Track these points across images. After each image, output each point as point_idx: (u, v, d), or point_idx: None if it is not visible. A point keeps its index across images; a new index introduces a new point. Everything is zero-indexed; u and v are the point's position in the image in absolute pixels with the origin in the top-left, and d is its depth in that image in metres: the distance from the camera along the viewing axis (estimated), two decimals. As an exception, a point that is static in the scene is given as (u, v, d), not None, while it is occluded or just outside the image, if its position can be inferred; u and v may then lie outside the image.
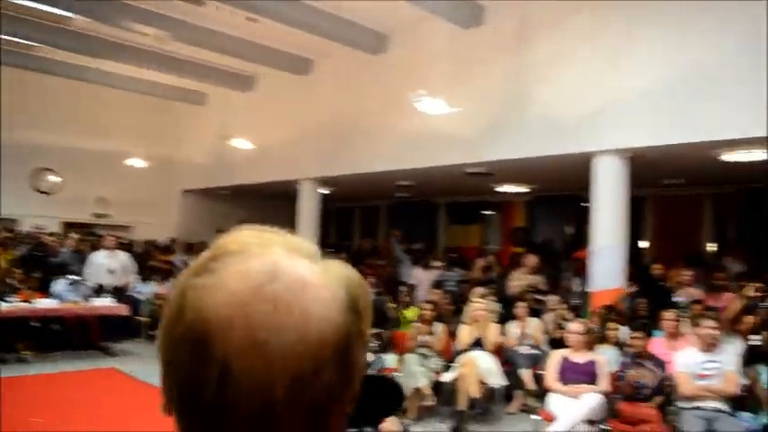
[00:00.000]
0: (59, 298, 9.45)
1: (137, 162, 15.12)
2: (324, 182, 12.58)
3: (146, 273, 11.79)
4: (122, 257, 11.01)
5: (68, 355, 9.29)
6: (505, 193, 12.64)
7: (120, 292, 10.52)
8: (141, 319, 10.79)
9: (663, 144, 7.41)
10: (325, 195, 13.12)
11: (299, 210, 12.63)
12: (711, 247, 11.36)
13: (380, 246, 14.47)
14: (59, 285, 9.70)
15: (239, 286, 0.60)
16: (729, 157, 7.69)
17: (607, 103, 7.81)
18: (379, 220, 17.16)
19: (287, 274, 0.62)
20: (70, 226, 14.54)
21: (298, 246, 0.67)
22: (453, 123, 9.10)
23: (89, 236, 13.13)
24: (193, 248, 14.33)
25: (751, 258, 9.48)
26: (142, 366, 8.72)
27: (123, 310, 9.85)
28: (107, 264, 10.64)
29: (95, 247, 11.43)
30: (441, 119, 9.00)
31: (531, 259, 9.66)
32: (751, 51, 6.69)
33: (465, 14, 9.30)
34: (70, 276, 9.91)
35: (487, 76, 9.23)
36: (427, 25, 9.72)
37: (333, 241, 16.55)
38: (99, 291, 10.13)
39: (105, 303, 9.76)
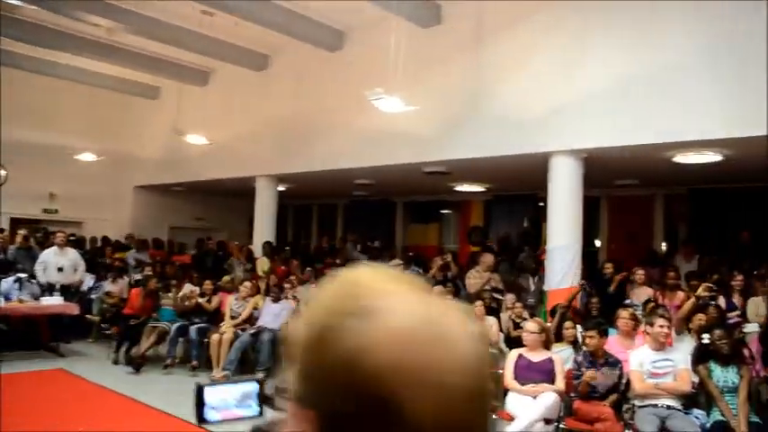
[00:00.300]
0: (6, 296, 9.16)
1: (88, 156, 14.72)
2: (281, 179, 12.44)
3: (97, 270, 11.48)
4: (72, 255, 10.71)
5: (16, 355, 8.99)
6: (464, 192, 12.70)
7: (69, 291, 10.22)
8: (92, 318, 10.52)
9: (617, 145, 7.51)
10: (282, 193, 12.99)
11: (256, 207, 12.48)
12: (663, 246, 11.58)
13: (336, 245, 14.38)
14: (6, 283, 9.41)
15: (406, 329, 0.60)
16: (681, 158, 7.84)
17: (563, 104, 7.89)
18: (338, 219, 17.06)
19: (442, 314, 0.63)
20: (18, 222, 14.11)
21: (418, 283, 0.69)
22: (412, 122, 9.08)
23: (38, 232, 12.76)
24: (147, 245, 14.07)
25: (701, 257, 9.69)
26: (92, 367, 8.51)
27: (74, 309, 9.58)
28: (57, 261, 10.34)
29: (43, 244, 11.10)
30: (399, 117, 8.96)
31: (488, 258, 9.69)
32: (706, 54, 6.82)
33: (423, 13, 9.30)
34: (18, 274, 9.62)
35: (446, 76, 9.24)
36: (385, 23, 9.68)
37: (290, 239, 16.39)
38: (49, 289, 9.84)
39: (55, 302, 9.47)
